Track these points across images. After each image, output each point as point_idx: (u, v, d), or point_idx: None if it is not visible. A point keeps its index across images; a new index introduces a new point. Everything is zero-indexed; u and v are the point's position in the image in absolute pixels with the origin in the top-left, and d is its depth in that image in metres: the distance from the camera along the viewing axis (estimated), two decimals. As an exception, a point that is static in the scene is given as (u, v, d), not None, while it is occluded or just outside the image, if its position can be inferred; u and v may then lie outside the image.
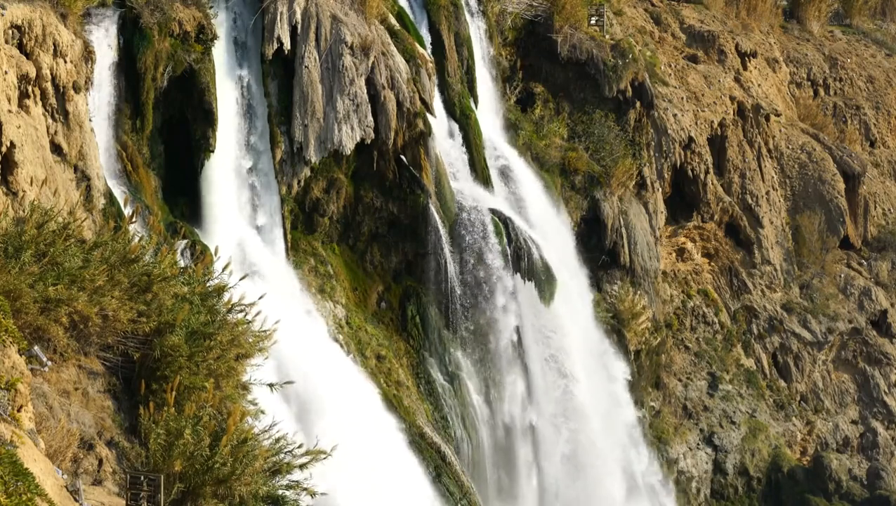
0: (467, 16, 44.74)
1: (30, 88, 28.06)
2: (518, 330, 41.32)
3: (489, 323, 40.73)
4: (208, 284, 22.76)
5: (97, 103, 32.32)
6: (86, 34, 31.67)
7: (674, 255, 52.78)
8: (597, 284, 46.75)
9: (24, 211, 24.11)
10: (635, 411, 46.64)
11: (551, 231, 44.29)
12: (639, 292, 47.64)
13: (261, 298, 22.96)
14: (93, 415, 19.90)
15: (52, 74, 28.77)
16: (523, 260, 41.19)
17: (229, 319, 21.97)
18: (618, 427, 45.27)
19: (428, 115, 39.60)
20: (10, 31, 27.71)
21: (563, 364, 42.64)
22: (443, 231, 39.55)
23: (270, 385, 22.73)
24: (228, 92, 36.06)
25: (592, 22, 50.06)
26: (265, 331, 22.49)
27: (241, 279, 23.68)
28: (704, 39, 57.24)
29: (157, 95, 34.06)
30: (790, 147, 58.09)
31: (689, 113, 52.02)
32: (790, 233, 56.35)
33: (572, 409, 42.87)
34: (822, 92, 63.38)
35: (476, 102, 43.93)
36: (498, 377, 41.19)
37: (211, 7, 35.66)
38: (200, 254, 31.61)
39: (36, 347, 18.86)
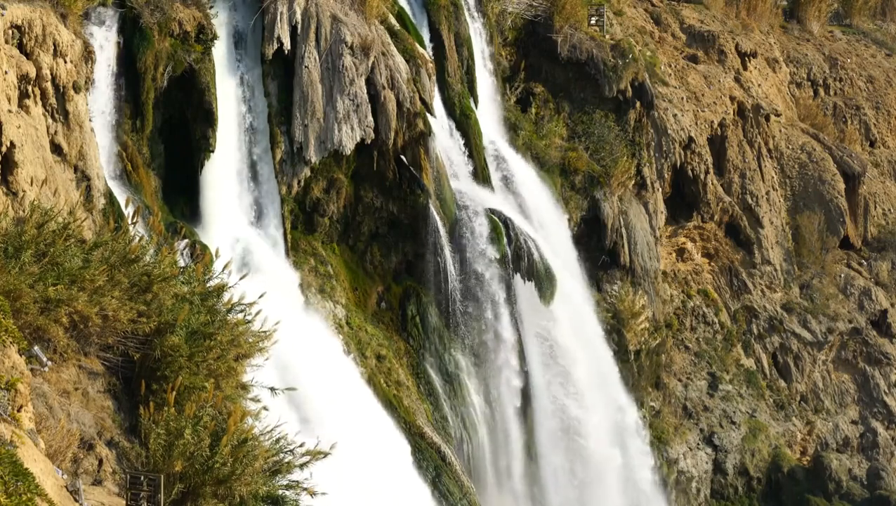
0: (467, 16, 44.74)
1: (30, 88, 28.05)
2: (518, 330, 41.33)
3: (489, 323, 40.73)
4: (208, 284, 22.77)
5: (97, 103, 32.33)
6: (86, 34, 31.67)
7: (674, 255, 52.78)
8: (597, 284, 46.75)
9: (24, 211, 24.11)
10: (635, 412, 46.63)
11: (551, 231, 44.30)
12: (639, 292, 47.65)
13: (261, 297, 22.96)
14: (93, 415, 19.90)
15: (52, 74, 28.76)
16: (523, 260, 41.19)
17: (229, 319, 21.98)
18: (618, 427, 45.26)
19: (428, 115, 39.59)
20: (10, 31, 27.71)
21: (563, 364, 42.64)
22: (443, 231, 39.55)
23: (272, 389, 22.71)
24: (228, 92, 36.06)
25: (592, 22, 50.06)
26: (265, 331, 22.49)
27: (240, 279, 23.68)
28: (704, 39, 57.25)
29: (157, 95, 34.06)
30: (790, 147, 58.09)
31: (689, 113, 52.02)
32: (790, 233, 56.36)
33: (572, 408, 42.87)
34: (822, 92, 63.39)
35: (476, 102, 43.92)
36: (498, 377, 41.19)
37: (211, 7, 35.66)
38: (200, 254, 31.61)
39: (36, 347, 18.86)
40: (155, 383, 20.53)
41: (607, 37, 49.63)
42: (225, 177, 35.91)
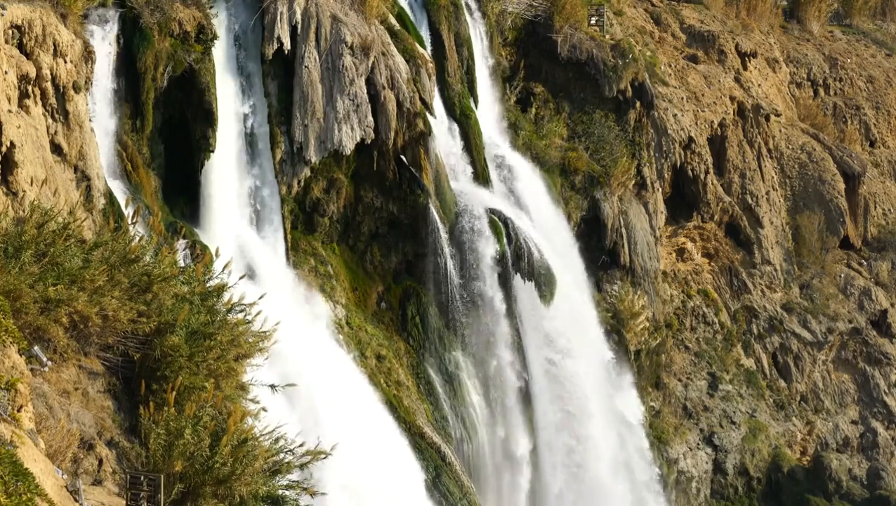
0: (467, 16, 44.74)
1: (30, 88, 28.05)
2: (518, 330, 41.32)
3: (489, 323, 40.73)
4: (208, 285, 22.76)
5: (97, 103, 32.33)
6: (86, 34, 31.67)
7: (674, 255, 52.78)
8: (597, 284, 46.76)
9: (24, 211, 24.11)
10: (637, 412, 46.64)
11: (551, 231, 44.29)
12: (638, 292, 47.65)
13: (261, 298, 22.96)
14: (93, 415, 19.90)
15: (52, 74, 28.76)
16: (523, 260, 41.19)
17: (229, 319, 21.97)
18: (618, 427, 45.26)
19: (428, 115, 39.60)
20: (10, 31, 27.71)
21: (563, 364, 42.63)
22: (443, 231, 39.56)
23: (272, 386, 22.72)
24: (228, 92, 36.06)
25: (592, 22, 50.06)
26: (265, 331, 22.49)
27: (240, 278, 23.68)
28: (704, 39, 57.25)
29: (157, 95, 34.06)
30: (790, 147, 58.10)
31: (689, 113, 52.03)
32: (790, 233, 56.36)
33: (572, 409, 42.87)
34: (822, 92, 63.39)
35: (476, 102, 43.93)
36: (498, 377, 41.18)
37: (211, 7, 35.66)
38: (200, 254, 31.61)
39: (36, 347, 18.86)
40: (155, 383, 20.53)
41: (607, 37, 49.63)
42: (225, 177, 35.90)
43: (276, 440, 20.54)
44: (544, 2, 48.33)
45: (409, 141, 39.24)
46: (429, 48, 42.10)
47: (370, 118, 37.78)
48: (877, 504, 52.08)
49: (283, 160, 37.07)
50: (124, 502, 18.31)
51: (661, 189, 50.40)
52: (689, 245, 53.22)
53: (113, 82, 33.11)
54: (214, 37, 35.27)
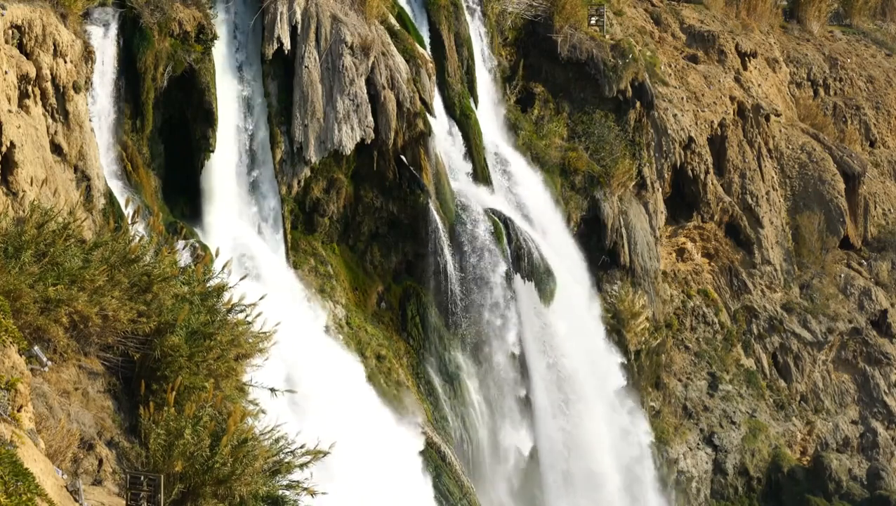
0: (467, 16, 44.75)
1: (30, 88, 28.06)
2: (518, 330, 41.32)
3: (489, 323, 40.73)
4: (208, 285, 22.75)
5: (97, 103, 32.34)
6: (86, 34, 31.68)
7: (674, 255, 52.78)
8: (597, 284, 46.76)
9: (24, 211, 24.12)
10: (636, 411, 46.63)
11: (551, 231, 44.31)
12: (639, 292, 47.65)
13: (261, 298, 22.95)
14: (93, 415, 19.90)
15: (52, 74, 28.77)
16: (523, 260, 41.20)
17: (229, 320, 21.96)
18: (619, 427, 45.26)
19: (428, 115, 39.61)
20: (10, 31, 27.72)
21: (563, 364, 42.63)
22: (443, 231, 39.56)
23: (272, 390, 22.70)
24: (228, 92, 36.08)
25: (592, 22, 50.06)
26: (265, 332, 22.48)
27: (241, 279, 23.68)
28: (704, 39, 57.25)
29: (157, 95, 34.07)
30: (790, 147, 58.10)
31: (689, 113, 52.02)
32: (790, 233, 56.36)
33: (571, 408, 42.87)
34: (822, 92, 63.39)
35: (476, 102, 43.94)
36: (498, 377, 41.19)
37: (211, 7, 35.67)
38: (201, 254, 31.62)
39: (36, 347, 18.85)
40: (155, 382, 20.52)
41: (607, 37, 49.63)
42: (225, 177, 35.92)
43: (277, 440, 20.54)
44: (544, 2, 48.33)
45: (409, 141, 39.25)
46: (429, 48, 42.11)
47: (370, 118, 37.79)
48: (877, 504, 52.08)
49: (283, 160, 37.08)
50: (124, 502, 18.31)
51: (661, 189, 50.40)
52: (689, 245, 53.22)
53: (113, 82, 33.11)
54: (214, 37, 35.28)
